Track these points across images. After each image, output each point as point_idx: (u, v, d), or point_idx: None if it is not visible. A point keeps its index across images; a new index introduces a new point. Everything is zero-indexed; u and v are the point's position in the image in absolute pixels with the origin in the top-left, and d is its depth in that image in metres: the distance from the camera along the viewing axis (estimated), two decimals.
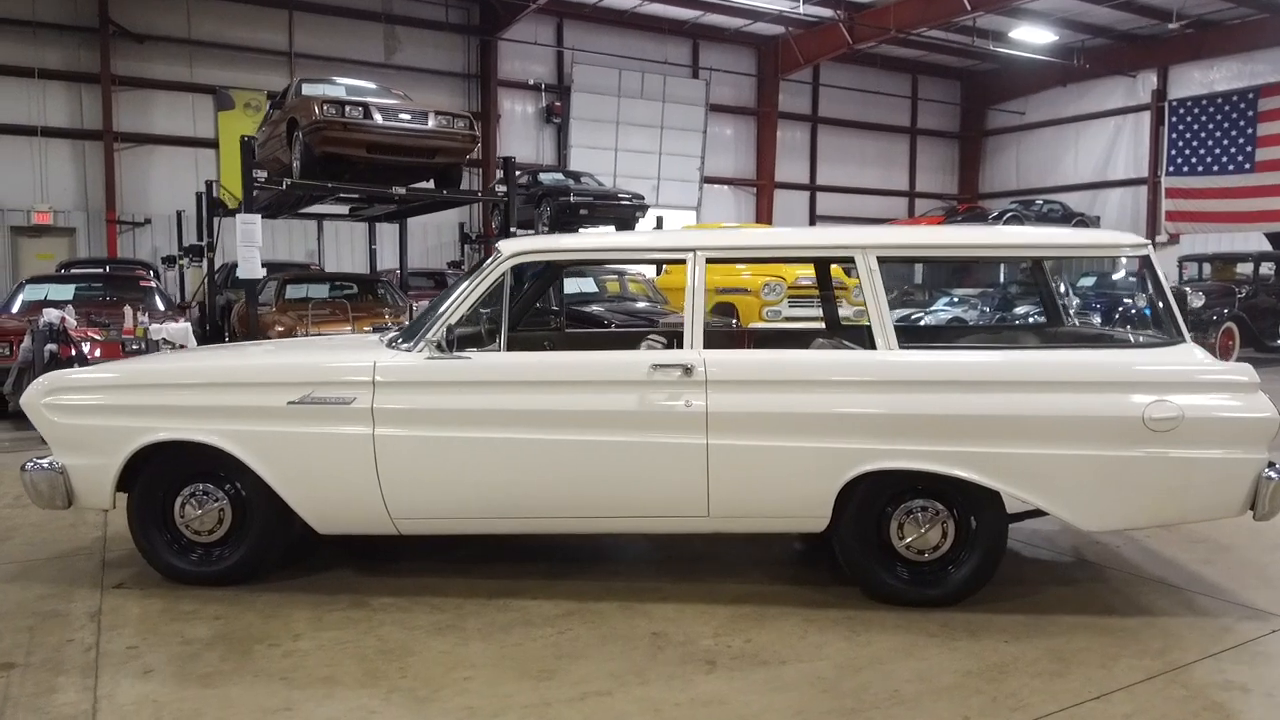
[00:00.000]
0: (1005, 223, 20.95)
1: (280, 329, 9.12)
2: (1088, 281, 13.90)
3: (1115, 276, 13.35)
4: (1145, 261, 3.61)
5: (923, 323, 12.28)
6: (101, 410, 3.68)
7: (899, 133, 26.77)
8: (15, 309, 9.21)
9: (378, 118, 8.72)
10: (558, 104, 21.35)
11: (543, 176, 17.71)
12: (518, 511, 3.61)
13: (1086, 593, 3.71)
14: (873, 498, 3.51)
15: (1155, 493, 3.40)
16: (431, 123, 9.04)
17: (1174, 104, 21.26)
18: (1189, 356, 3.46)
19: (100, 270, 12.10)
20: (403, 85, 20.03)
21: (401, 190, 9.21)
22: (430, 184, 10.11)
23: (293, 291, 10.52)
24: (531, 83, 21.26)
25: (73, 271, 11.79)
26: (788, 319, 11.56)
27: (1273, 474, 3.35)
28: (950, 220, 22.01)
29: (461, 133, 9.20)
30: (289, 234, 17.84)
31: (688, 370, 3.47)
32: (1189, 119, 20.38)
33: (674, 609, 3.51)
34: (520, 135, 21.38)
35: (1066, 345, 3.75)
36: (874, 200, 25.97)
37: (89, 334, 7.69)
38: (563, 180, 17.65)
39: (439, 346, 3.55)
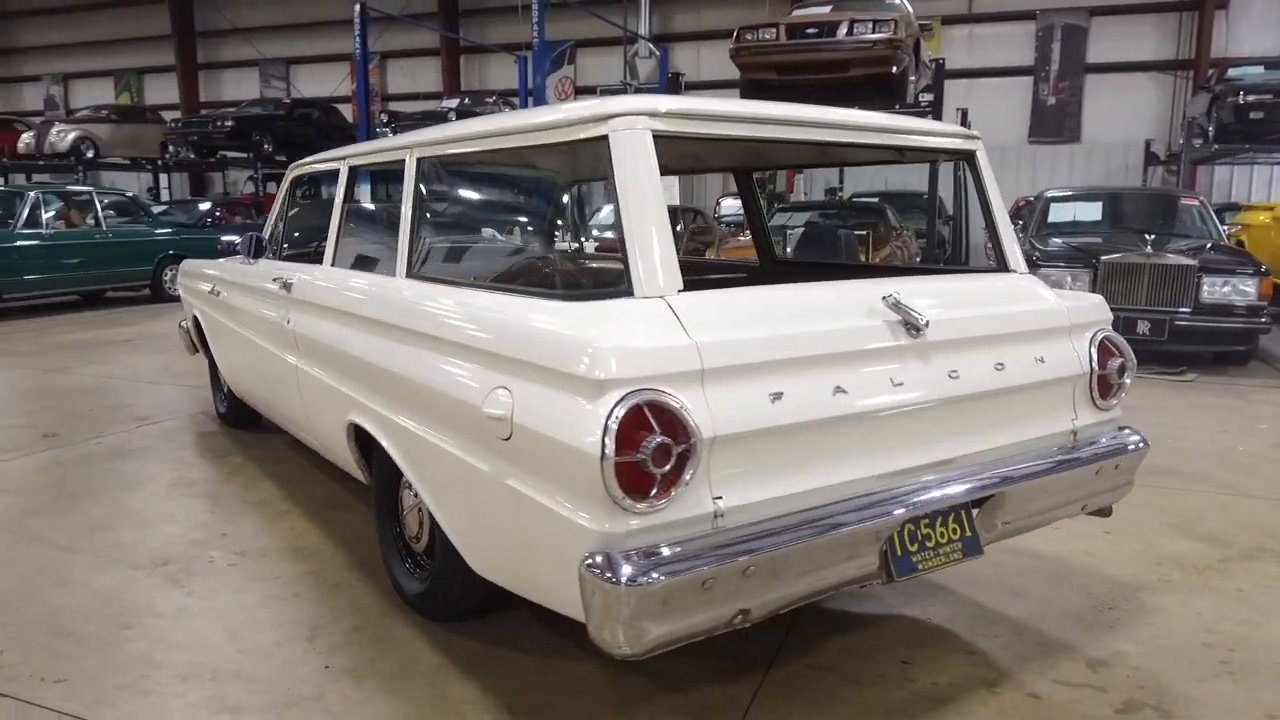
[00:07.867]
0: None
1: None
2: None
3: None
4: (603, 148, 1.93)
5: None
6: (186, 290, 5.25)
7: None
8: None
9: (782, 36, 8.41)
10: None
11: (1233, 72, 13.58)
12: (264, 406, 4.00)
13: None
14: (386, 459, 2.84)
15: (500, 541, 2.00)
16: (841, 34, 8.26)
17: None
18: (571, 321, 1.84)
19: None
20: None
21: None
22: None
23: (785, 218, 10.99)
24: None
25: None
26: None
27: (609, 562, 1.65)
28: None
29: (873, 39, 8.16)
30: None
31: (287, 286, 3.32)
32: None
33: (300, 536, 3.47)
34: (1259, 25, 16.41)
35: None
36: None
37: None
38: (1259, 76, 13.24)
39: (246, 253, 4.09)
